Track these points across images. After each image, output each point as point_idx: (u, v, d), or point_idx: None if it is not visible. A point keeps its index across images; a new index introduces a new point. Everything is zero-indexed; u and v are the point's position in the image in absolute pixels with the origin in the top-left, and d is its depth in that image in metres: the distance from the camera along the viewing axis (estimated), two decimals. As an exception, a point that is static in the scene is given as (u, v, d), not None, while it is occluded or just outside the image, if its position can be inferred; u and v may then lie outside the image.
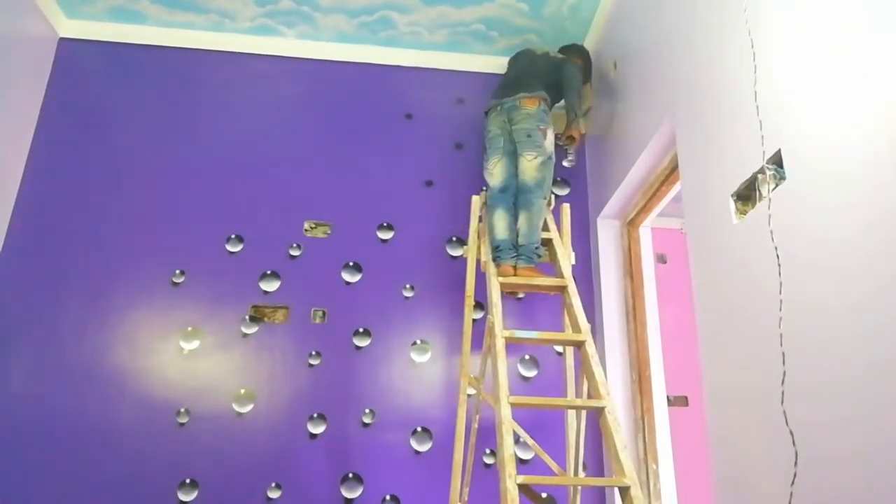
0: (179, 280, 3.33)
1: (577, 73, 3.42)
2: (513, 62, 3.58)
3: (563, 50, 3.61)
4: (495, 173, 3.19)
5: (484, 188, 3.31)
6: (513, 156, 3.20)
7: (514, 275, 2.92)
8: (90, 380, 3.12)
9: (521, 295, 3.45)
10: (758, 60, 2.08)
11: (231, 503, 3.01)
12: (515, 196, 3.13)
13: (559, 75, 3.39)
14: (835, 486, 1.62)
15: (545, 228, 3.13)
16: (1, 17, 3.24)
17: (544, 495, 2.93)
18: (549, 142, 3.20)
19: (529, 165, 3.11)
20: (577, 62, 3.50)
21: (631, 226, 3.55)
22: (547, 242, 3.12)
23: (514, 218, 3.09)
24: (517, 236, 3.03)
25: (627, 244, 3.55)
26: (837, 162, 1.72)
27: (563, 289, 2.86)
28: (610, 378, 3.20)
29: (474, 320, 3.16)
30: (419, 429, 3.21)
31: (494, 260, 2.95)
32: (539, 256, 3.03)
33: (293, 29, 3.82)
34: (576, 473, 2.84)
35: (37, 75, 3.57)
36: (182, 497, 2.99)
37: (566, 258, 2.99)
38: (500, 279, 2.87)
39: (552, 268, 3.13)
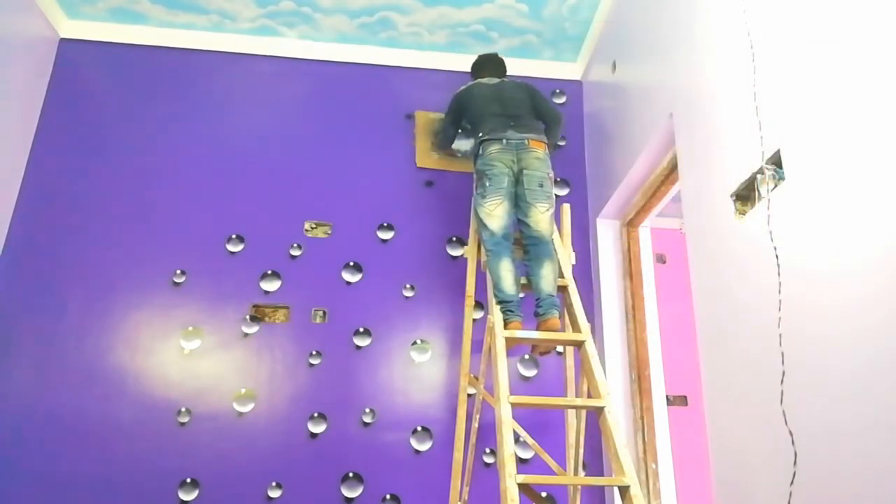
0: (180, 280, 3.34)
1: (556, 106, 3.23)
2: (492, 89, 3.21)
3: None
4: (497, 216, 2.87)
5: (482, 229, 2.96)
6: (512, 199, 2.92)
7: (550, 325, 2.72)
8: (90, 380, 3.12)
9: (560, 350, 3.28)
10: (757, 61, 2.09)
11: (231, 503, 3.01)
12: (525, 246, 2.93)
13: (540, 106, 3.21)
14: (834, 486, 1.63)
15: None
16: (1, 18, 3.24)
17: (544, 495, 2.94)
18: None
19: (542, 217, 2.89)
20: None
21: (630, 226, 3.55)
22: None
23: (518, 269, 2.87)
24: (520, 288, 2.84)
25: (627, 244, 3.55)
26: (836, 162, 1.72)
27: (563, 289, 2.86)
28: (610, 378, 3.21)
29: (474, 320, 3.17)
30: (419, 428, 3.21)
31: (505, 314, 2.71)
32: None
33: (294, 30, 3.82)
34: (576, 473, 2.85)
35: (38, 75, 3.57)
36: (182, 496, 3.00)
37: (566, 258, 2.99)
38: (521, 334, 2.67)
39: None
